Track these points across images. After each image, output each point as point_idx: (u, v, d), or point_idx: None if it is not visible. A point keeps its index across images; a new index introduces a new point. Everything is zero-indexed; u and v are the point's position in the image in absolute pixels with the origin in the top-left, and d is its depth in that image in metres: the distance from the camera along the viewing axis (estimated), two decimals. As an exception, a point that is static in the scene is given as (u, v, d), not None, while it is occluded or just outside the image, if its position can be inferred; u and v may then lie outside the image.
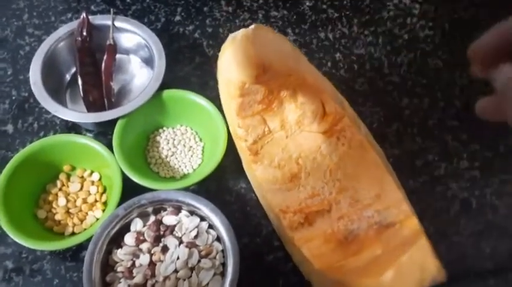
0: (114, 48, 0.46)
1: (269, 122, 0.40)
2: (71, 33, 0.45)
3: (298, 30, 0.52)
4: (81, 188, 0.41)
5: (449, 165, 0.44)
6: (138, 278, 0.34)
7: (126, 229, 0.36)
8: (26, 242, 0.35)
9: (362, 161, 0.37)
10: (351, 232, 0.35)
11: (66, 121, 0.46)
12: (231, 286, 0.33)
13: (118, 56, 0.47)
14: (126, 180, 0.39)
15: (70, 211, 0.40)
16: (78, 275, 0.38)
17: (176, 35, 0.52)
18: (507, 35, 0.22)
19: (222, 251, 0.35)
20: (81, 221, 0.39)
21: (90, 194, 0.40)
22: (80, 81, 0.44)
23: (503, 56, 0.22)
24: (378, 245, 0.33)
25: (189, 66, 0.50)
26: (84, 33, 0.45)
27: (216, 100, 0.42)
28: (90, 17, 0.46)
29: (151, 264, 0.34)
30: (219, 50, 0.51)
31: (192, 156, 0.43)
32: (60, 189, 0.41)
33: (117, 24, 0.46)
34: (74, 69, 0.47)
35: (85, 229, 0.39)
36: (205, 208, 0.36)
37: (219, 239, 0.36)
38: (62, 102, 0.43)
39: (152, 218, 0.37)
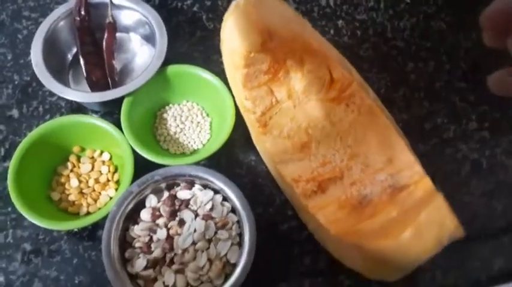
0: (114, 26, 0.45)
1: (276, 93, 0.39)
2: (69, 13, 0.44)
3: (299, -2, 0.51)
4: (92, 169, 0.41)
5: (458, 127, 0.44)
6: (156, 253, 0.34)
7: (141, 205, 0.37)
8: (43, 223, 0.36)
9: (372, 126, 0.37)
10: (364, 196, 0.35)
11: (71, 103, 0.45)
12: (249, 254, 0.33)
13: (118, 34, 0.46)
14: (136, 158, 0.39)
15: (83, 191, 0.40)
16: (96, 253, 0.39)
17: (174, 10, 0.51)
18: None
19: (238, 222, 0.36)
20: (95, 200, 0.40)
21: (101, 174, 0.41)
22: (82, 61, 0.44)
23: None
24: (393, 207, 0.33)
25: (190, 42, 0.49)
26: (83, 13, 0.44)
27: (221, 75, 0.42)
28: (86, -5, 0.45)
29: (169, 238, 0.35)
30: (219, 23, 0.50)
31: (200, 131, 0.43)
32: (71, 171, 0.41)
33: (115, 1, 0.45)
34: (75, 50, 0.46)
35: (99, 208, 0.39)
36: (218, 181, 0.36)
37: (233, 210, 0.36)
38: (65, 83, 0.42)
39: (166, 194, 0.37)
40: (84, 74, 0.44)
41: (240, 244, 0.35)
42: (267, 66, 0.37)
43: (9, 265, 0.38)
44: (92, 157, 0.41)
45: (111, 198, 0.39)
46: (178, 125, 0.43)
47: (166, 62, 0.42)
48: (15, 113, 0.45)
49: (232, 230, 0.35)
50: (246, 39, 0.32)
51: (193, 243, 0.34)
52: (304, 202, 0.36)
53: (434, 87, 0.46)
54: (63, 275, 0.38)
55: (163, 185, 0.37)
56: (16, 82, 0.47)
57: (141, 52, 0.48)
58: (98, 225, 0.39)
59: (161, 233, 0.35)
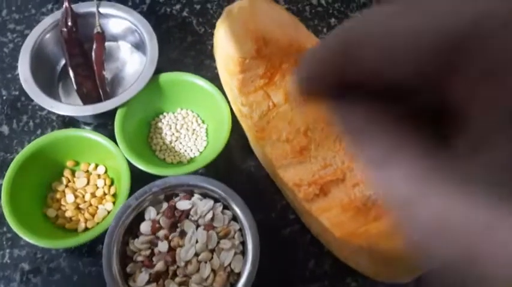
0: (102, 37, 0.44)
1: (273, 97, 0.39)
2: (55, 24, 0.43)
3: (290, -2, 0.51)
4: (88, 183, 0.40)
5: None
6: (159, 266, 0.33)
7: (140, 218, 0.36)
8: (41, 242, 0.35)
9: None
10: (368, 198, 0.34)
11: (63, 116, 0.44)
12: (253, 263, 0.33)
13: (107, 43, 0.45)
14: (132, 170, 0.38)
15: (80, 206, 0.39)
16: (97, 269, 0.38)
17: (163, 15, 0.50)
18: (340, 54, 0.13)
19: (240, 230, 0.35)
20: (93, 215, 0.39)
21: (97, 187, 0.40)
22: (71, 74, 0.43)
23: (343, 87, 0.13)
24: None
25: (182, 47, 0.48)
26: (69, 23, 0.43)
27: (214, 80, 0.41)
28: (72, 5, 0.44)
29: (171, 250, 0.34)
30: (210, 27, 0.49)
31: (196, 139, 0.43)
32: (66, 186, 0.40)
33: (102, 10, 0.44)
34: (63, 61, 0.45)
35: (98, 223, 0.38)
36: (217, 189, 0.35)
37: (235, 218, 0.35)
38: (55, 97, 0.41)
39: (165, 205, 0.36)
40: (75, 86, 0.43)
41: (244, 253, 0.34)
42: (263, 71, 0.37)
43: (8, 286, 0.37)
44: (87, 171, 0.41)
45: (109, 212, 0.39)
46: (173, 134, 0.42)
47: (158, 70, 0.41)
48: (5, 129, 0.44)
49: (235, 239, 0.34)
50: (241, 47, 0.31)
51: (196, 254, 0.34)
52: (307, 206, 0.35)
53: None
54: (64, 294, 0.37)
55: (161, 196, 0.36)
56: (4, 97, 0.46)
57: (132, 60, 0.47)
58: (97, 240, 0.38)
59: (162, 246, 0.34)
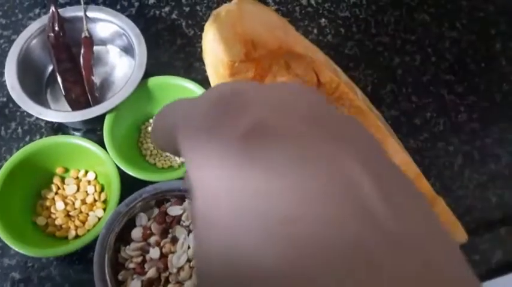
0: (90, 41, 0.44)
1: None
2: (42, 30, 0.43)
3: (279, -1, 0.50)
4: (78, 190, 0.39)
5: (448, 120, 0.44)
6: (151, 273, 0.33)
7: (131, 225, 0.35)
8: (31, 251, 0.34)
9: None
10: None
11: (52, 123, 0.44)
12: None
13: (95, 48, 0.45)
14: (123, 175, 0.37)
15: (70, 214, 0.38)
16: (88, 276, 0.37)
17: (152, 18, 0.50)
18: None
19: (232, 235, 0.35)
20: (83, 222, 0.38)
21: (88, 194, 0.39)
22: (59, 79, 0.42)
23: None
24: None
25: (171, 50, 0.48)
26: (56, 28, 0.43)
27: (205, 83, 0.41)
28: (59, 9, 0.43)
29: (163, 257, 0.34)
30: (199, 29, 0.49)
31: (187, 142, 0.42)
32: (56, 193, 0.39)
33: (90, 14, 0.44)
34: (51, 67, 0.45)
35: (88, 230, 0.38)
36: (209, 194, 0.35)
37: (227, 223, 0.35)
38: (43, 103, 0.41)
39: (156, 211, 0.36)
40: (63, 92, 0.42)
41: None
42: (253, 74, 0.36)
43: (-2, 296, 0.37)
44: (77, 178, 0.40)
45: (99, 219, 0.38)
46: (164, 138, 0.42)
47: (148, 73, 0.41)
48: (-7, 136, 0.43)
49: (227, 244, 0.34)
50: (229, 50, 0.30)
51: (188, 260, 0.33)
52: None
53: (422, 81, 0.46)
54: (56, 303, 0.37)
55: (152, 202, 0.36)
56: (-8, 104, 0.45)
57: (121, 64, 0.46)
58: (88, 247, 0.38)
59: (154, 253, 0.34)
